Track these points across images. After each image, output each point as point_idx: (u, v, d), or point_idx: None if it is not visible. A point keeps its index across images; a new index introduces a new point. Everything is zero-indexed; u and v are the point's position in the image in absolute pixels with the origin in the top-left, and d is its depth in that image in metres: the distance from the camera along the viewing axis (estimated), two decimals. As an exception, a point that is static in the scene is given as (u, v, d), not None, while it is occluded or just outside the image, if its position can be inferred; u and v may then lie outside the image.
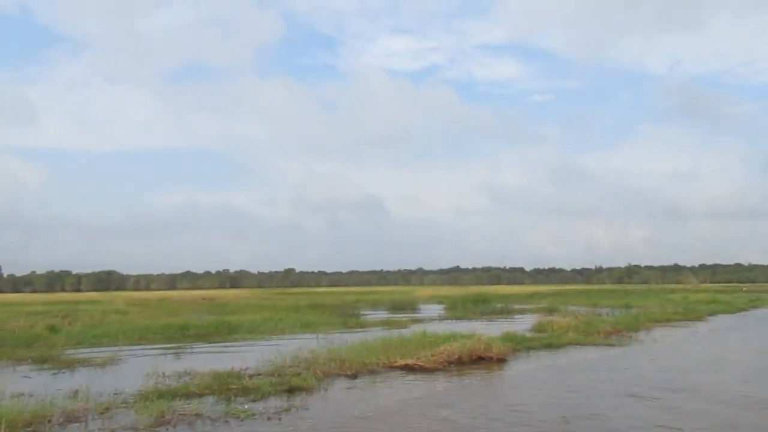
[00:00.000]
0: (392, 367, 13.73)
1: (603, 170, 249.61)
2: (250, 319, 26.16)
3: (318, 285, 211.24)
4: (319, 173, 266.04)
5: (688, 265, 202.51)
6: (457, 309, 37.67)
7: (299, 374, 11.95)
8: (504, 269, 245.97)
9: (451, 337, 16.15)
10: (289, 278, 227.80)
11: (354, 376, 12.63)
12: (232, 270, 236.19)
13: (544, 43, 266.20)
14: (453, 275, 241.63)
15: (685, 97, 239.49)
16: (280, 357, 13.71)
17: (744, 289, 74.15)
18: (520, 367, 14.10)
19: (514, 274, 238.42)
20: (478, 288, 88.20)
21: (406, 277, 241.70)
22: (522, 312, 35.73)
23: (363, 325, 27.03)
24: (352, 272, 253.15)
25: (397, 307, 43.18)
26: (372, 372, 13.23)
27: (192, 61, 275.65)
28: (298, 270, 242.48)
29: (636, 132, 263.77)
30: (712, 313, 32.98)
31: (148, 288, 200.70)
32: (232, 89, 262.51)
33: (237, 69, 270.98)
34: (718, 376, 12.84)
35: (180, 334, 22.16)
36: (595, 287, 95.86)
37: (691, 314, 31.14)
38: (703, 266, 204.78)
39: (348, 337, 18.25)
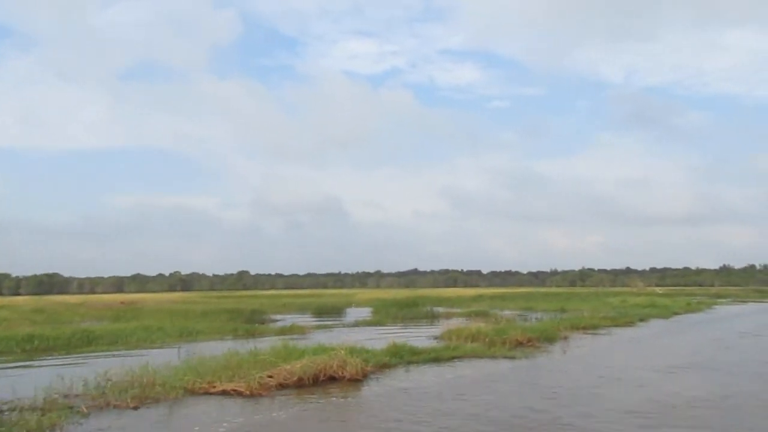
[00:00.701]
0: (210, 393, 10.84)
1: (559, 176, 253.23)
2: (120, 329, 22.79)
3: (273, 288, 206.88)
4: (279, 175, 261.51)
5: (640, 268, 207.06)
6: (382, 314, 34.94)
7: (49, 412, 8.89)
8: (461, 272, 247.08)
9: (316, 351, 13.37)
10: (242, 281, 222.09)
11: (136, 407, 9.65)
12: (184, 273, 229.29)
13: (505, 49, 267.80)
14: (410, 278, 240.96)
15: (638, 106, 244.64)
16: (79, 380, 10.77)
17: (658, 291, 73.82)
18: (373, 390, 11.37)
19: (471, 277, 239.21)
20: (424, 291, 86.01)
21: (362, 279, 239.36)
22: (448, 317, 33.26)
23: (260, 333, 24.01)
24: (308, 275, 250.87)
25: (321, 311, 40.33)
26: (176, 400, 10.30)
27: (147, 60, 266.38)
28: (253, 273, 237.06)
29: (592, 139, 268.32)
30: (645, 318, 31.16)
31: (92, 291, 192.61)
32: (190, 89, 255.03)
33: (194, 68, 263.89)
34: (598, 406, 10.37)
35: (20, 347, 18.77)
36: (542, 290, 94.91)
37: (621, 319, 29.19)
38: (653, 270, 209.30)
39: (224, 347, 15.55)
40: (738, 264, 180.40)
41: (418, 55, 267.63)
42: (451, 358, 15.51)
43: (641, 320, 30.14)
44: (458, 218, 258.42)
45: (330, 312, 40.66)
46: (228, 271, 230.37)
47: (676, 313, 35.07)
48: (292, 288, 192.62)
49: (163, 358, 13.89)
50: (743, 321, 30.41)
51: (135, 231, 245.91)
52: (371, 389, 11.46)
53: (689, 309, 38.94)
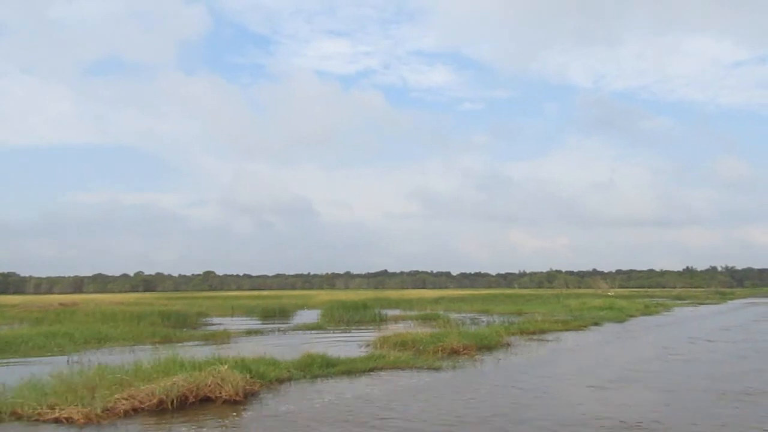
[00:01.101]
0: (42, 420, 8.84)
1: (529, 178, 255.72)
2: (18, 334, 20.45)
3: (240, 288, 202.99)
4: (248, 174, 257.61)
5: (606, 270, 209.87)
6: (328, 317, 33.05)
7: None
8: (430, 273, 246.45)
9: (201, 365, 11.40)
10: (208, 281, 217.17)
11: None
12: (147, 273, 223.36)
13: (476, 51, 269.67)
14: (379, 279, 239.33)
15: (605, 110, 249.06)
16: None
17: (610, 293, 73.49)
18: (249, 415, 9.48)
19: (440, 279, 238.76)
20: (387, 292, 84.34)
21: (331, 281, 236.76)
22: (396, 320, 31.57)
23: (178, 339, 21.89)
24: (277, 276, 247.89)
25: (268, 314, 38.31)
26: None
27: (113, 55, 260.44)
28: (220, 273, 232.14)
29: (560, 142, 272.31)
30: (599, 321, 29.95)
31: (50, 291, 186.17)
32: (157, 85, 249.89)
33: (162, 64, 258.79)
34: None
35: None
36: (507, 291, 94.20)
37: (574, 323, 27.91)
38: (619, 272, 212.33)
39: (131, 356, 13.58)
40: (701, 266, 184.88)
41: (391, 56, 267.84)
42: (368, 370, 13.73)
43: (595, 324, 28.92)
44: (428, 219, 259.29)
45: (277, 315, 38.68)
46: (194, 271, 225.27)
47: (632, 316, 34.03)
48: (259, 289, 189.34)
49: (46, 369, 12.00)
50: (697, 324, 29.42)
51: (98, 229, 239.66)
52: (248, 414, 9.58)
53: (646, 311, 38.03)
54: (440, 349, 17.01)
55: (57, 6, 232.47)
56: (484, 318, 32.49)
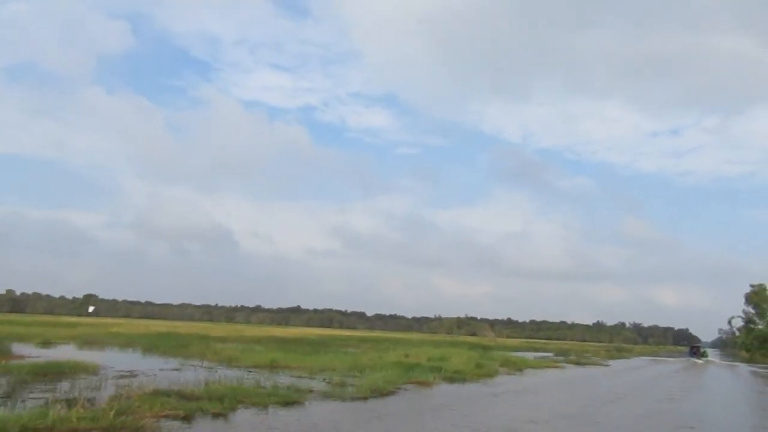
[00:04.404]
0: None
1: (454, 225, 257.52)
2: None
3: (129, 316, 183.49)
4: (167, 198, 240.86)
5: (521, 320, 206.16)
6: None
7: None
8: (342, 312, 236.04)
9: None
10: (85, 306, 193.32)
11: None
12: (19, 291, 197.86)
13: (414, 98, 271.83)
14: (285, 315, 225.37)
15: (530, 166, 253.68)
16: None
17: (448, 339, 61.34)
18: None
19: (349, 318, 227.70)
20: (250, 328, 70.35)
21: (230, 314, 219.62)
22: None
23: None
24: (183, 305, 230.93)
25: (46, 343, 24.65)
26: None
27: (27, 63, 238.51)
28: (106, 297, 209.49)
29: (487, 193, 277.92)
30: (300, 400, 17.41)
31: None
32: (74, 98, 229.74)
33: (81, 78, 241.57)
34: None
35: None
36: (357, 333, 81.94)
37: (291, 396, 15.35)
38: (533, 322, 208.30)
39: None
40: (611, 321, 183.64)
41: (331, 95, 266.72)
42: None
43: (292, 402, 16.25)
44: (350, 258, 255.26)
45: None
46: (76, 293, 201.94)
47: (425, 385, 21.43)
48: (153, 317, 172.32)
49: None
50: (498, 410, 17.35)
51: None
52: None
53: (453, 377, 24.81)
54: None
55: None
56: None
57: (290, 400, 14.25)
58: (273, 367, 22.69)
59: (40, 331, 36.12)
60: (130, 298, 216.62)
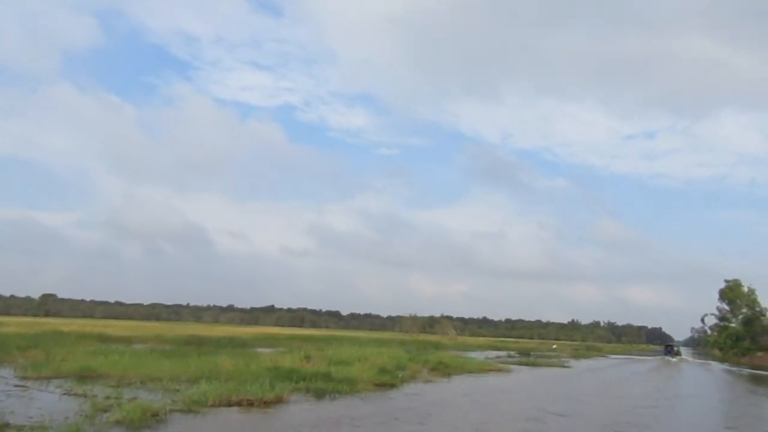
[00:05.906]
0: None
1: (430, 225, 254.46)
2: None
3: (90, 316, 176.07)
4: (140, 197, 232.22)
5: (496, 319, 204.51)
6: None
7: None
8: (315, 312, 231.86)
9: None
10: (45, 306, 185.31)
11: None
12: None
13: (393, 98, 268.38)
14: (256, 315, 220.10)
15: (508, 166, 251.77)
16: None
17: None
18: None
19: (322, 318, 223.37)
20: (181, 326, 65.24)
21: (197, 313, 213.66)
22: None
23: None
24: (153, 305, 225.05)
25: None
26: None
27: None
28: (65, 297, 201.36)
29: (466, 193, 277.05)
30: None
31: None
32: (42, 95, 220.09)
33: (48, 75, 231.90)
34: None
35: None
36: (306, 332, 77.77)
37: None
38: (508, 320, 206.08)
39: None
40: (585, 320, 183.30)
41: (312, 95, 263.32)
42: None
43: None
44: (326, 258, 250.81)
45: None
46: (36, 293, 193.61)
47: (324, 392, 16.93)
48: (120, 318, 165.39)
49: None
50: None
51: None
52: None
53: (337, 387, 20.09)
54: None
55: None
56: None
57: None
58: (83, 376, 17.32)
59: None
60: (99, 299, 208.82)
